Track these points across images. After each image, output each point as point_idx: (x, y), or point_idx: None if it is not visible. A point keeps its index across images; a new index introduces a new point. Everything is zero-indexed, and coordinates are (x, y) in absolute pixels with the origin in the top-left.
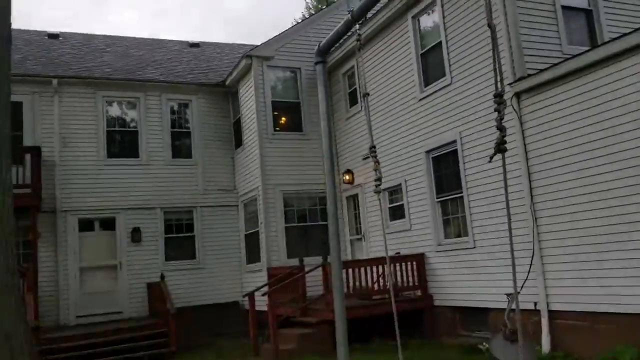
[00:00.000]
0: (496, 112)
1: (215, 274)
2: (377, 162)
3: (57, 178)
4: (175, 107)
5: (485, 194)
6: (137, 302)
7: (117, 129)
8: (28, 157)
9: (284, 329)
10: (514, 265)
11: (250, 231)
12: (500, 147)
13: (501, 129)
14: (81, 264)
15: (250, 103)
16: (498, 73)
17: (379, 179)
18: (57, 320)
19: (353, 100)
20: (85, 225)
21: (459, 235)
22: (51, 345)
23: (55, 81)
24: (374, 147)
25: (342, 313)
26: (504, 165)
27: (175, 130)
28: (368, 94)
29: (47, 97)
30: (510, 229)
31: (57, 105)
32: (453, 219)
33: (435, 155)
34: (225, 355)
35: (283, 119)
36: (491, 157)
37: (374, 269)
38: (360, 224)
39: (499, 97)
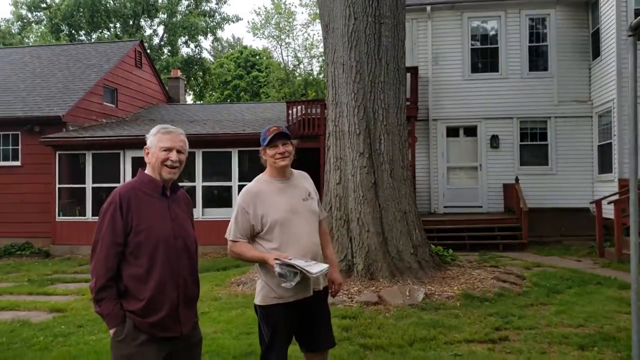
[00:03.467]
0: None
1: (566, 181)
2: None
3: (430, 92)
4: (533, 22)
5: None
6: (493, 200)
7: (479, 46)
8: (408, 75)
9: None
10: None
11: (603, 142)
12: None
13: None
14: (447, 164)
15: (611, 12)
16: None
17: None
18: (429, 208)
19: None
20: (451, 132)
21: None
22: (427, 226)
23: (429, 8)
24: None
25: (636, 236)
26: None
27: (532, 44)
28: None
29: (422, 22)
30: None
31: (429, 29)
32: None
33: None
34: (572, 253)
35: None
36: None
37: None
38: None
39: None
